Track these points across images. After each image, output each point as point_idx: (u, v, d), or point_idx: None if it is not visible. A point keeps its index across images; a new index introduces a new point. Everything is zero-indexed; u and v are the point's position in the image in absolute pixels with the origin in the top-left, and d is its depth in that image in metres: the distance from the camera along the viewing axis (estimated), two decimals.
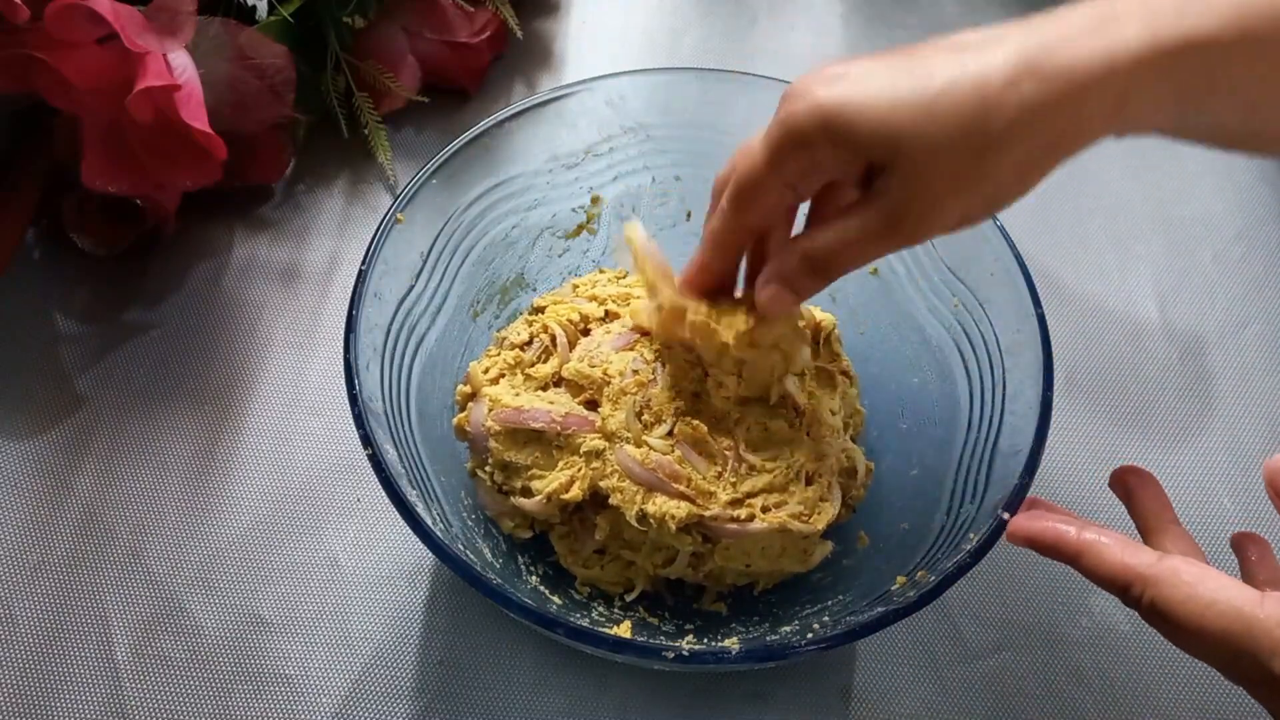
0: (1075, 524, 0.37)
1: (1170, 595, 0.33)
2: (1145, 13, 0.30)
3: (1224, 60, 0.31)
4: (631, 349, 0.46)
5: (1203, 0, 0.30)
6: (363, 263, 0.44)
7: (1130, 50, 0.30)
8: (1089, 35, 0.31)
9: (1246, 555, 0.38)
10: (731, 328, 0.41)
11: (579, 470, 0.44)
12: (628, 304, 0.50)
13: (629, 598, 0.47)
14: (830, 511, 0.44)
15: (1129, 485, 0.40)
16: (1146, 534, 0.39)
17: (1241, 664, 0.32)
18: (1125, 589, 0.35)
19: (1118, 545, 0.35)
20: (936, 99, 0.31)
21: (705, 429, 0.44)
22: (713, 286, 0.42)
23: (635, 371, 0.45)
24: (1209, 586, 0.33)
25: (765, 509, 0.43)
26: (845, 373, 0.50)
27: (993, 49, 0.31)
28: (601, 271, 0.54)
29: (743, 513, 0.43)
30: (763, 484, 0.43)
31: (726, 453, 0.43)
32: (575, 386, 0.46)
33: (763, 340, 0.42)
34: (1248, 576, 0.37)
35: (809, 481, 0.44)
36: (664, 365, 0.45)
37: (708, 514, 0.42)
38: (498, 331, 0.52)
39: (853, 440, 0.49)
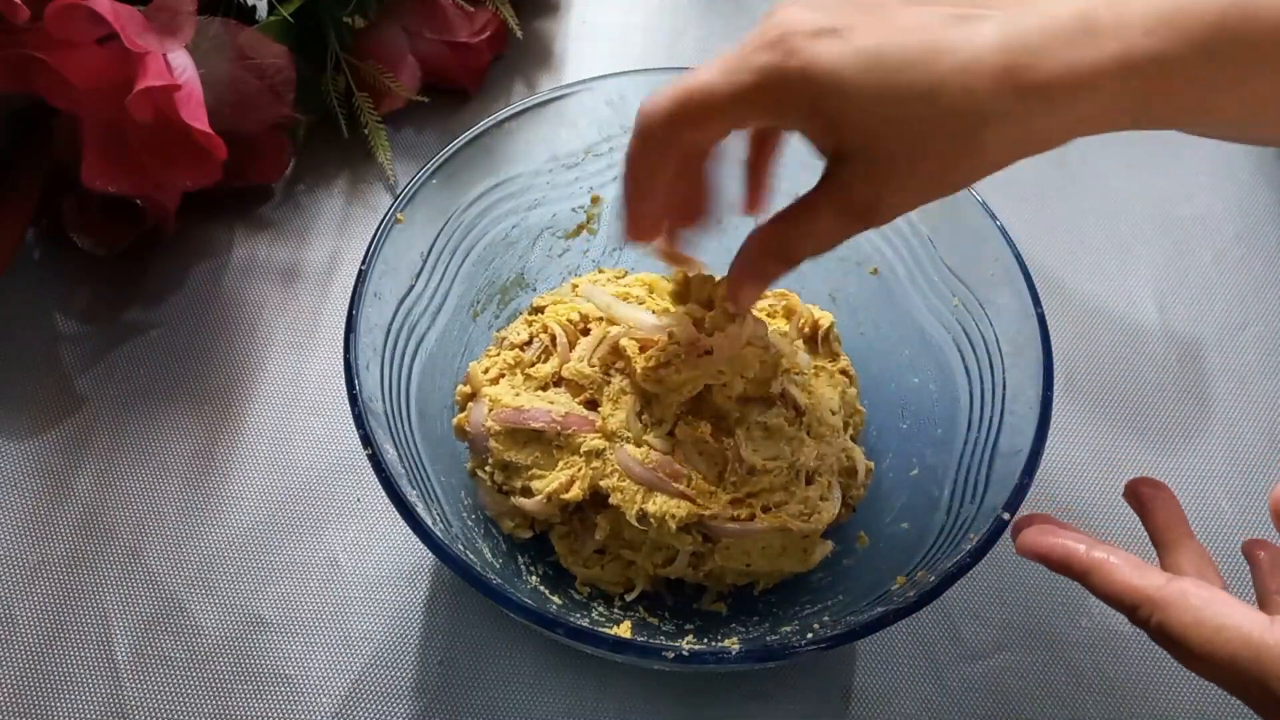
0: (1085, 542, 0.36)
1: (1178, 619, 0.33)
2: (1121, 28, 0.30)
3: (1179, 79, 0.31)
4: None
5: (1169, 22, 0.30)
6: (363, 263, 0.44)
7: (1105, 69, 0.30)
8: (1070, 49, 0.31)
9: (1258, 562, 0.38)
10: (700, 363, 0.42)
11: (579, 470, 0.44)
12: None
13: (629, 598, 0.47)
14: (830, 511, 0.44)
15: (1143, 497, 0.40)
16: (1160, 548, 0.39)
17: (1250, 689, 0.32)
18: (1133, 610, 0.34)
19: (1127, 565, 0.35)
20: (929, 98, 0.31)
21: (706, 428, 0.44)
22: (650, 236, 0.40)
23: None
24: (1217, 611, 0.32)
25: (765, 508, 0.43)
26: (845, 372, 0.50)
27: (979, 37, 0.31)
28: (601, 271, 0.54)
29: (743, 512, 0.43)
30: (763, 484, 0.43)
31: (727, 452, 0.43)
32: (575, 386, 0.46)
33: (735, 347, 0.42)
34: (1259, 585, 0.37)
35: (809, 481, 0.44)
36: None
37: (708, 513, 0.42)
38: (498, 331, 0.52)
39: (853, 440, 0.49)
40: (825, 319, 0.49)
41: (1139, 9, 0.30)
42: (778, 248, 0.37)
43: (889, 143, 0.32)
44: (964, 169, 0.33)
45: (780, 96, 0.32)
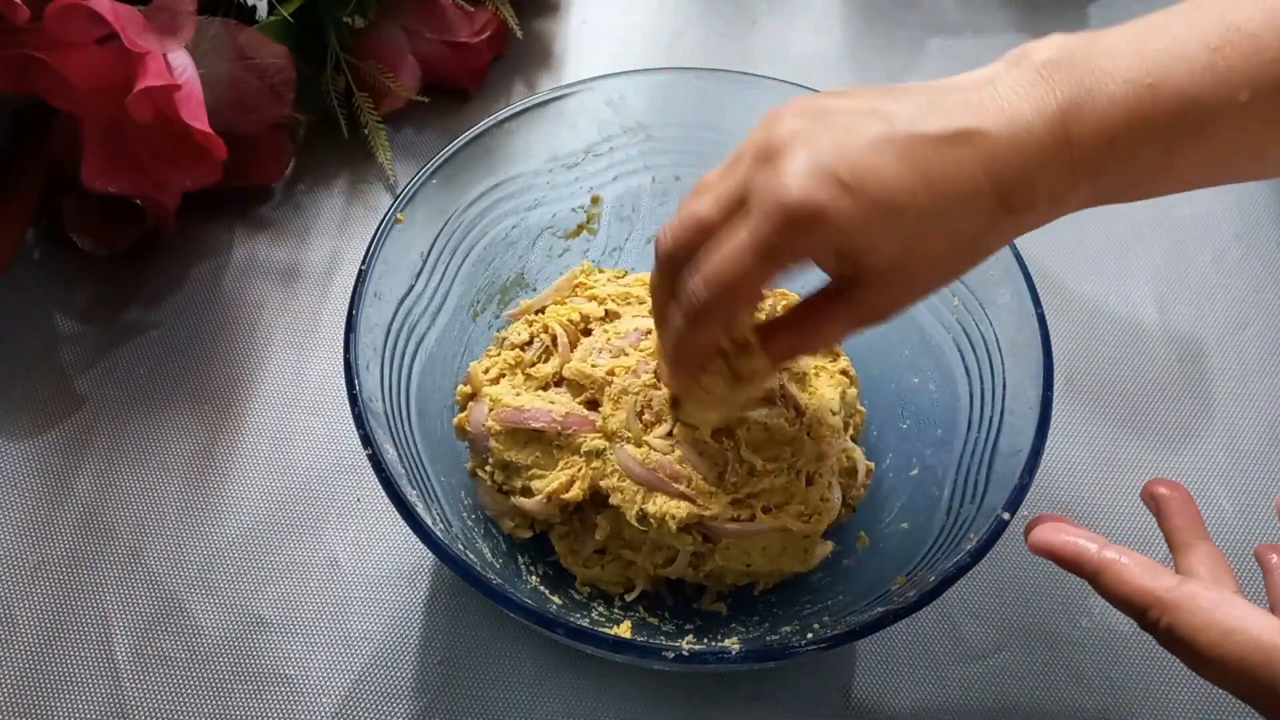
0: (1097, 542, 0.37)
1: (1188, 622, 0.33)
2: (1094, 136, 0.33)
3: (1159, 163, 0.34)
4: (637, 347, 0.46)
5: (1141, 120, 0.33)
6: (363, 263, 0.44)
7: (1080, 183, 0.34)
8: (1047, 171, 0.33)
9: (1270, 567, 0.38)
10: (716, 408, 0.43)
11: (579, 470, 0.44)
12: (628, 303, 0.50)
13: (629, 598, 0.47)
14: (831, 512, 0.44)
15: (1159, 498, 0.40)
16: (1175, 549, 0.39)
17: (1260, 693, 0.32)
18: (1143, 612, 0.34)
19: (1138, 567, 0.35)
20: (946, 231, 0.34)
21: (706, 429, 0.44)
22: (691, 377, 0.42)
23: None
24: (1228, 614, 0.32)
25: (766, 509, 0.43)
26: (845, 372, 0.50)
27: (966, 165, 0.33)
28: (601, 271, 0.53)
29: (743, 513, 0.43)
30: (763, 484, 0.43)
31: (727, 453, 0.43)
32: (576, 386, 0.46)
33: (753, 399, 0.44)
34: (1271, 590, 0.37)
35: (809, 481, 0.44)
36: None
37: (708, 514, 0.42)
38: (498, 331, 0.52)
39: (853, 440, 0.49)
40: None
41: (1102, 116, 0.33)
42: (790, 349, 0.40)
43: (906, 271, 0.35)
44: (966, 269, 0.37)
45: (808, 252, 0.35)
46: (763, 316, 0.48)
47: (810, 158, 0.34)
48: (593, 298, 0.50)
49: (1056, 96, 0.33)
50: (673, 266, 0.38)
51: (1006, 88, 0.34)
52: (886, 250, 0.34)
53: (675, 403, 0.44)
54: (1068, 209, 0.35)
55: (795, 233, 0.34)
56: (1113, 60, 0.33)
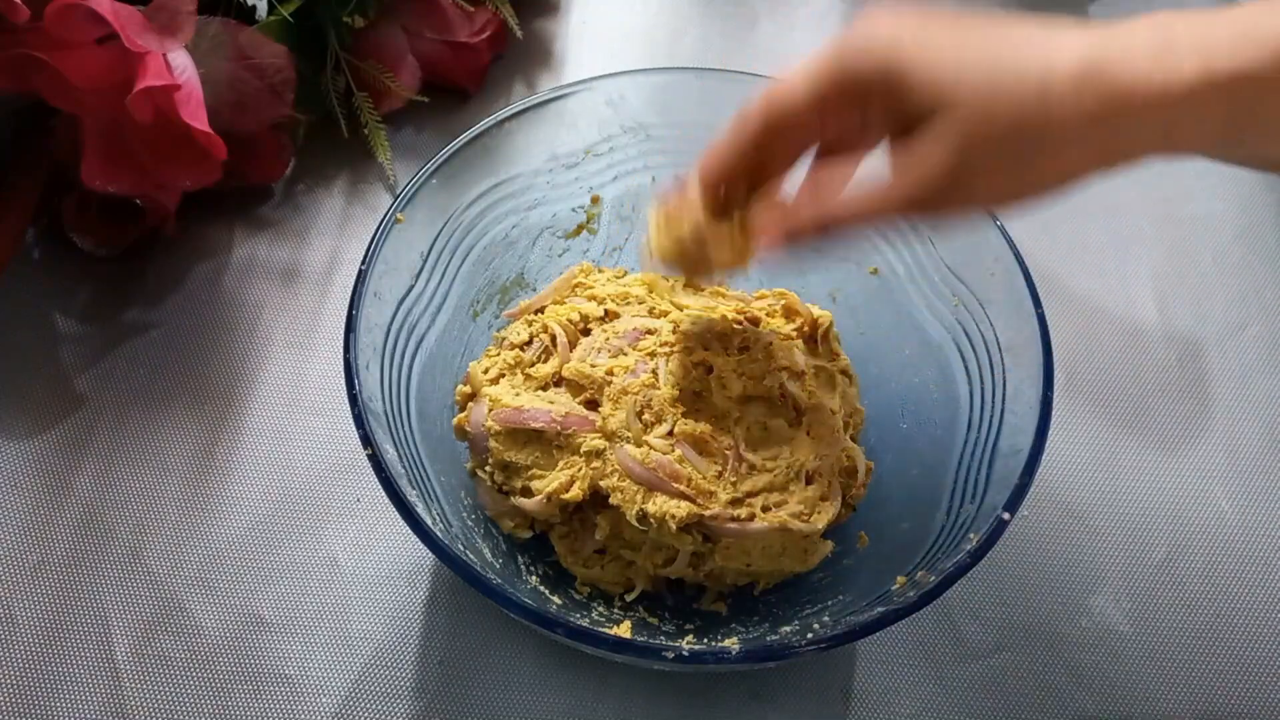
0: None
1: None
2: (1201, 45, 0.30)
3: (1271, 97, 0.30)
4: (636, 346, 0.46)
5: (1253, 38, 0.30)
6: (363, 263, 0.44)
7: (1185, 83, 0.30)
8: (1149, 61, 0.31)
9: None
10: (721, 251, 0.41)
11: (579, 470, 0.44)
12: (627, 303, 0.50)
13: (629, 598, 0.47)
14: (830, 511, 0.44)
15: None
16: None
17: None
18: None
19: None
20: (1002, 78, 0.31)
21: (706, 428, 0.44)
22: (715, 180, 0.41)
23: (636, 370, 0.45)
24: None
25: (765, 508, 0.43)
26: (845, 372, 0.50)
27: (1059, 48, 0.31)
28: (601, 271, 0.53)
29: (743, 512, 0.43)
30: (763, 483, 0.43)
31: (726, 452, 0.43)
32: (575, 386, 0.46)
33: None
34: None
35: (809, 481, 0.44)
36: (666, 364, 0.45)
37: (708, 513, 0.42)
38: (497, 331, 0.52)
39: (852, 440, 0.49)
40: (825, 318, 0.49)
41: (1221, 29, 0.30)
42: (833, 225, 0.36)
43: (969, 111, 0.32)
44: (1040, 168, 0.32)
45: (855, 78, 0.33)
46: (761, 314, 0.48)
47: (887, 22, 0.34)
48: (592, 298, 0.50)
49: (1165, 24, 0.31)
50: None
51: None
52: (943, 74, 0.32)
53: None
54: (1170, 124, 0.31)
55: (855, 32, 0.33)
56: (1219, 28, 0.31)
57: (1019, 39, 0.32)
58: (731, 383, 0.44)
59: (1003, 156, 0.32)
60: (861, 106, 0.35)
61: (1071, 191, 0.33)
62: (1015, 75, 0.31)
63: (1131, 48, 0.31)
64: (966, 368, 0.47)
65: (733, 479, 0.43)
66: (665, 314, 0.49)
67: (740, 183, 0.40)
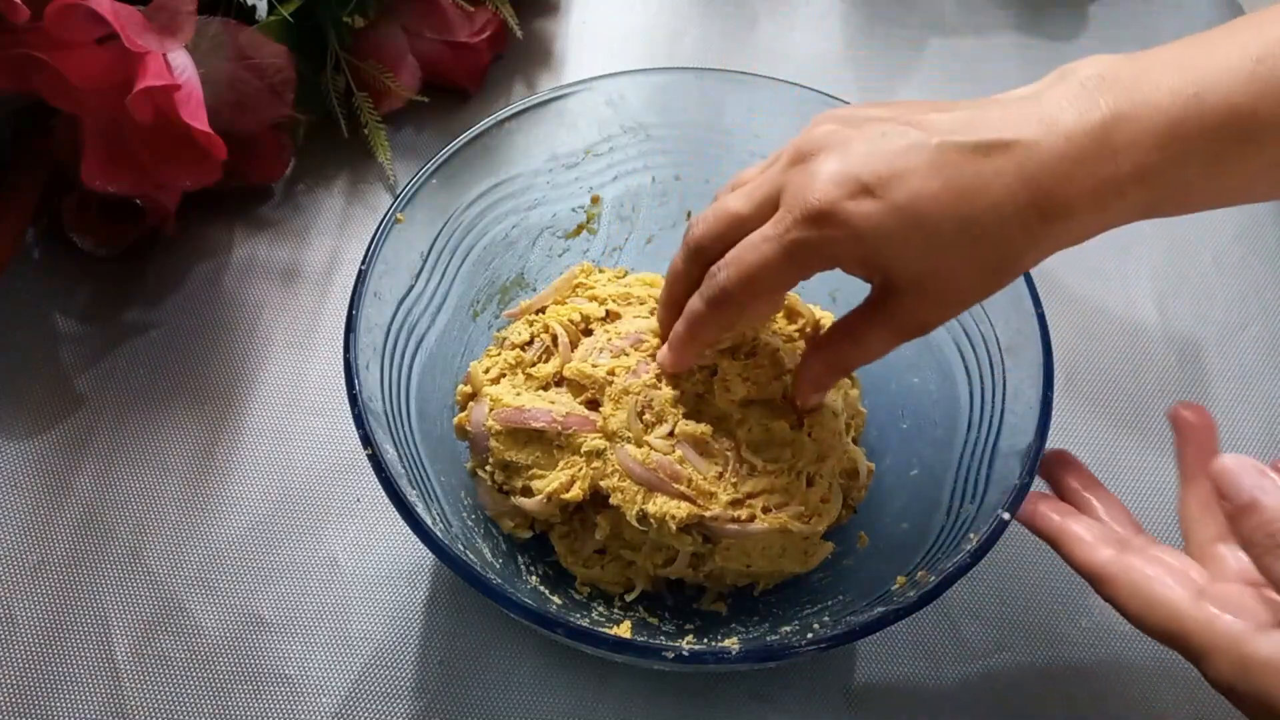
0: (1060, 511, 0.40)
1: (1116, 594, 0.36)
2: (1135, 146, 0.33)
3: (1197, 181, 0.34)
4: (639, 348, 0.46)
5: (1182, 134, 0.32)
6: (363, 263, 0.44)
7: (1123, 187, 0.33)
8: (1089, 176, 0.33)
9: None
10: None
11: (579, 470, 0.44)
12: (628, 303, 0.50)
13: (629, 598, 0.47)
14: (831, 513, 0.44)
15: (1179, 423, 0.41)
16: (1184, 480, 0.41)
17: (1180, 652, 0.35)
18: (1090, 582, 0.38)
19: (1089, 536, 0.38)
20: (971, 243, 0.34)
21: (707, 429, 0.44)
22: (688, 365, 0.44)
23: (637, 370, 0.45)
24: (1151, 589, 0.35)
25: (766, 509, 0.43)
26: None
27: (1002, 174, 0.34)
28: (601, 271, 0.53)
29: (743, 513, 0.43)
30: (763, 485, 0.43)
31: (728, 453, 0.43)
32: (576, 386, 0.46)
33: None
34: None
35: (810, 482, 0.44)
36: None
37: (708, 514, 0.42)
38: (498, 331, 0.52)
39: (854, 442, 0.49)
40: (826, 319, 0.49)
41: (1148, 123, 0.32)
42: (836, 362, 0.41)
43: (936, 282, 0.36)
44: (1003, 283, 0.37)
45: (832, 257, 0.36)
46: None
47: (840, 161, 0.35)
48: (593, 298, 0.50)
49: (1101, 107, 0.33)
50: (700, 256, 0.40)
51: (1050, 101, 0.34)
52: (913, 258, 0.35)
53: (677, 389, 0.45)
54: (1111, 220, 0.35)
55: (818, 233, 0.35)
56: (1157, 73, 0.33)
57: (963, 176, 0.34)
58: (735, 386, 0.44)
59: (972, 297, 0.37)
60: (828, 270, 0.38)
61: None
62: (978, 238, 0.34)
63: (1073, 160, 0.33)
64: (966, 368, 0.47)
65: (733, 480, 0.43)
66: None
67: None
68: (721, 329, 0.41)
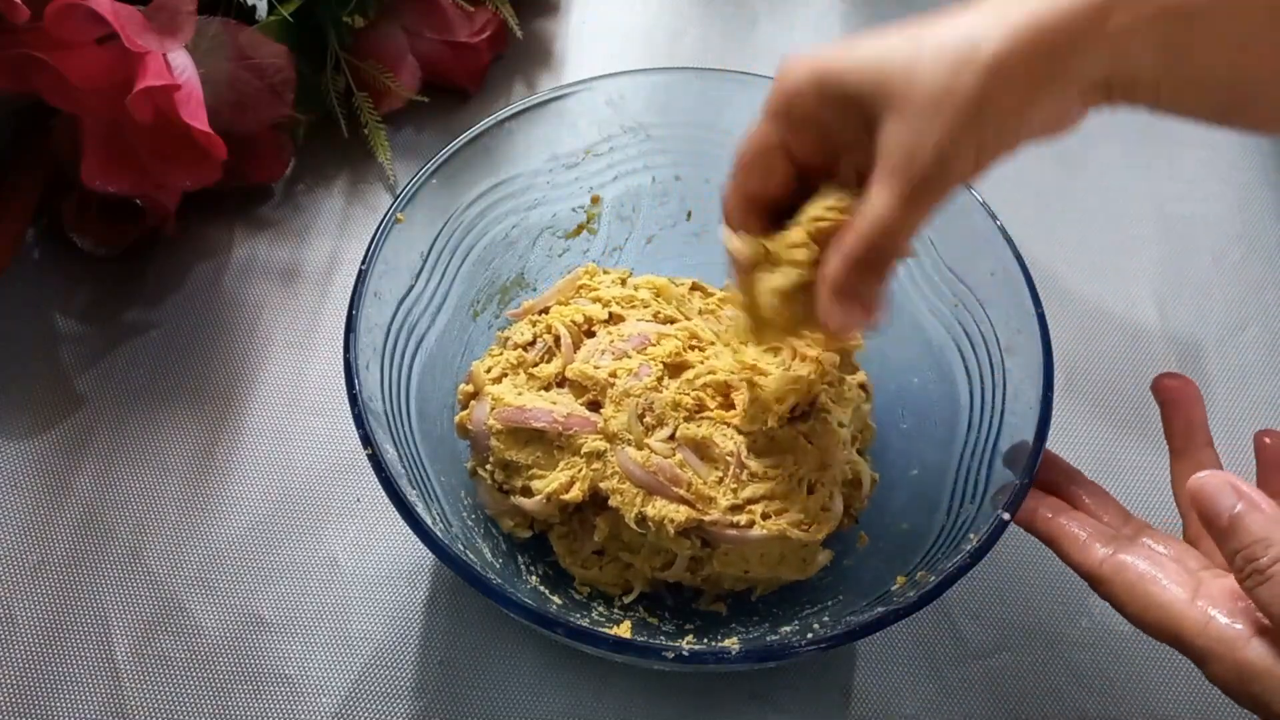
0: (1053, 509, 0.40)
1: (1113, 595, 0.36)
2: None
3: (1206, 12, 0.30)
4: (644, 351, 0.46)
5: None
6: (363, 262, 0.44)
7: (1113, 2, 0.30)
8: (1077, 32, 0.30)
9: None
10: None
11: (579, 471, 0.44)
12: (632, 306, 0.50)
13: (627, 600, 0.47)
14: (831, 522, 0.44)
15: (1164, 393, 0.41)
16: (1173, 455, 0.41)
17: (1181, 651, 0.35)
18: (1086, 580, 0.38)
19: (1083, 534, 0.38)
20: (923, 43, 0.32)
21: (708, 433, 0.43)
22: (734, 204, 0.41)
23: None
24: (1147, 589, 0.35)
25: (765, 516, 0.43)
26: (863, 386, 0.49)
27: (975, 10, 0.32)
28: (606, 272, 0.53)
29: (742, 519, 0.42)
30: (763, 491, 0.43)
31: (728, 458, 0.43)
32: (578, 387, 0.46)
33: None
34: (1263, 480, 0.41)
35: (811, 490, 0.44)
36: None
37: (707, 519, 0.42)
38: (501, 331, 0.52)
39: (860, 454, 0.48)
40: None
41: None
42: (853, 248, 0.34)
43: (904, 89, 0.32)
44: (987, 102, 0.31)
45: (792, 90, 0.36)
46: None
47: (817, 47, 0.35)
48: (597, 299, 0.50)
49: None
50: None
51: None
52: (874, 73, 0.33)
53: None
54: (1082, 93, 0.31)
55: (788, 80, 0.35)
56: None
57: (941, 20, 0.33)
58: (785, 400, 0.44)
59: (956, 109, 0.31)
60: (808, 118, 0.36)
61: (1043, 129, 0.33)
62: (938, 39, 0.32)
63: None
64: (966, 368, 0.47)
65: (733, 485, 0.43)
66: (671, 320, 0.49)
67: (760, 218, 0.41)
68: (738, 188, 0.39)
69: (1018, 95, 0.31)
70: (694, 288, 0.52)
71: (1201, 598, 0.34)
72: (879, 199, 0.33)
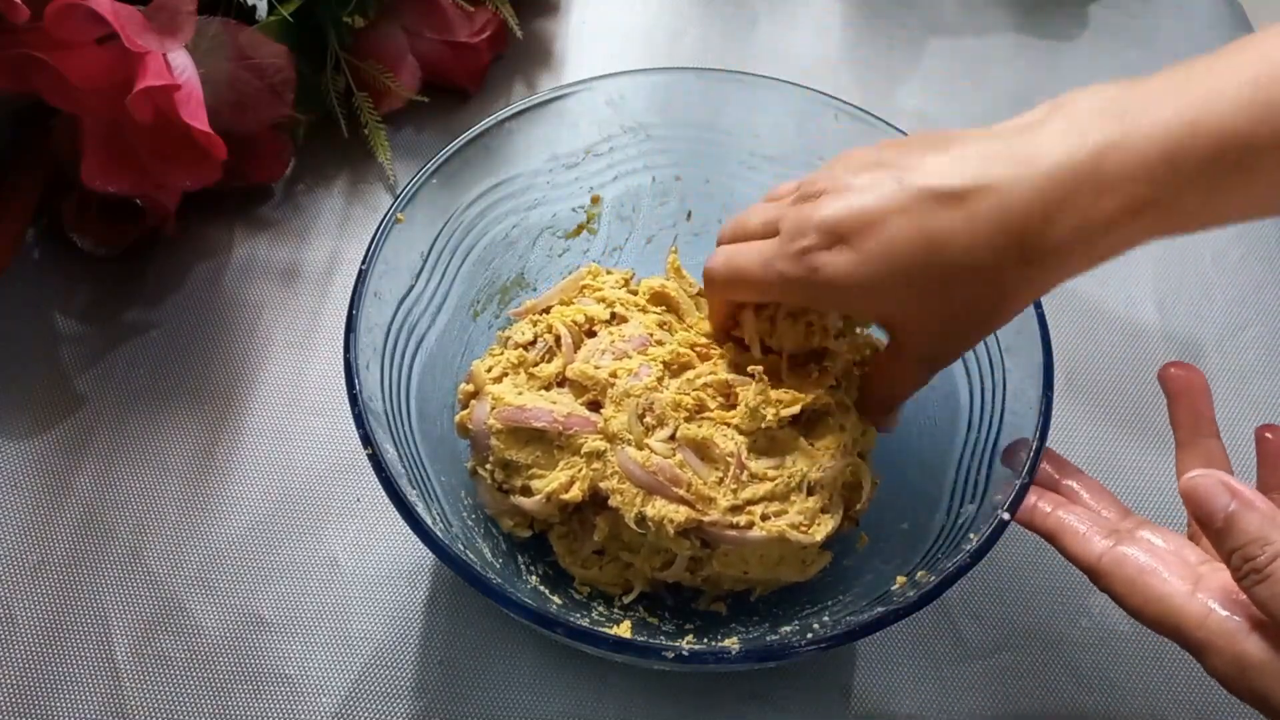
0: (1052, 503, 0.40)
1: (1113, 588, 0.37)
2: (1126, 178, 0.32)
3: (1196, 208, 0.33)
4: (644, 351, 0.46)
5: (1176, 163, 0.31)
6: (363, 262, 0.44)
7: (1114, 221, 0.33)
8: (1070, 208, 0.33)
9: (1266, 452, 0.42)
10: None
11: (579, 471, 0.44)
12: (636, 309, 0.49)
13: (627, 600, 0.47)
14: (830, 524, 0.44)
15: (1170, 383, 0.42)
16: (1179, 446, 0.41)
17: (1180, 645, 0.35)
18: (1088, 577, 0.38)
19: (1082, 526, 0.38)
20: (947, 288, 0.36)
21: (709, 434, 0.43)
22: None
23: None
24: (1147, 583, 0.35)
25: (765, 517, 0.43)
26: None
27: (975, 218, 0.34)
28: (609, 273, 0.53)
29: (742, 520, 0.42)
30: (764, 492, 0.43)
31: (729, 458, 0.43)
32: (579, 387, 0.46)
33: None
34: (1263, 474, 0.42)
35: (811, 492, 0.44)
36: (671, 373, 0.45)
37: (706, 520, 0.42)
38: (502, 330, 0.52)
39: (861, 457, 0.48)
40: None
41: (1140, 154, 0.32)
42: (882, 400, 0.45)
43: (928, 324, 0.37)
44: (998, 323, 0.38)
45: (810, 298, 0.40)
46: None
47: (829, 208, 0.37)
48: (600, 299, 0.50)
49: (1092, 139, 0.32)
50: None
51: (1042, 135, 0.34)
52: (895, 304, 0.37)
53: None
54: (1105, 253, 0.34)
55: (796, 271, 0.38)
56: (1154, 100, 0.32)
57: (928, 225, 0.35)
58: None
59: (957, 328, 0.38)
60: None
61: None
62: (950, 290, 0.36)
63: (1057, 200, 0.33)
64: (966, 368, 0.47)
65: (733, 486, 0.43)
66: (672, 330, 0.48)
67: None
68: (712, 298, 0.46)
69: (1031, 293, 0.37)
70: (700, 292, 0.52)
71: (1201, 591, 0.34)
72: (898, 374, 0.43)
